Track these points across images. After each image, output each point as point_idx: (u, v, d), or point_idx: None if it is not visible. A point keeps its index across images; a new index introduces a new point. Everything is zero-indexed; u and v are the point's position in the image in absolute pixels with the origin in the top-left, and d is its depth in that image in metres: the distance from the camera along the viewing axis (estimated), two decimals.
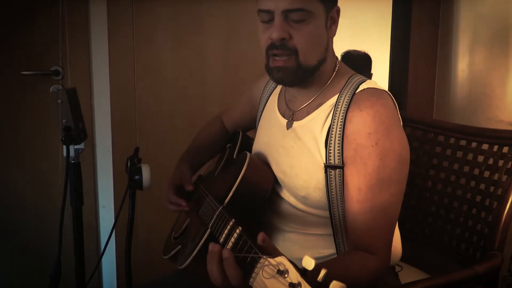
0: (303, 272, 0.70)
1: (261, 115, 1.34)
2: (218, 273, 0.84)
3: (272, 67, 1.11)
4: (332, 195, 1.10)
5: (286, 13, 1.05)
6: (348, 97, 1.10)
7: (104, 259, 2.07)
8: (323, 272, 0.68)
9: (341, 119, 1.08)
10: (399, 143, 1.08)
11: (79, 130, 1.27)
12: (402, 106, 2.09)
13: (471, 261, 1.32)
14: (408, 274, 1.37)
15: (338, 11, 1.13)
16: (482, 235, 1.32)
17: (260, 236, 0.83)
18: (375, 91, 1.10)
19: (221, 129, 1.53)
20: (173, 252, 1.23)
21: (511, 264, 1.70)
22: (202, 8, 2.11)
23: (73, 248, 1.34)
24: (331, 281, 0.67)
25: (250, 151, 1.30)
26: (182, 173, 1.36)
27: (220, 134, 1.52)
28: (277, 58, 1.09)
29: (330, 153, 1.09)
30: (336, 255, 1.15)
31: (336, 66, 1.17)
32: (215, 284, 0.87)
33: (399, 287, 1.20)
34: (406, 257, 1.33)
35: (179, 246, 1.22)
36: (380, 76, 2.23)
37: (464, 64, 2.04)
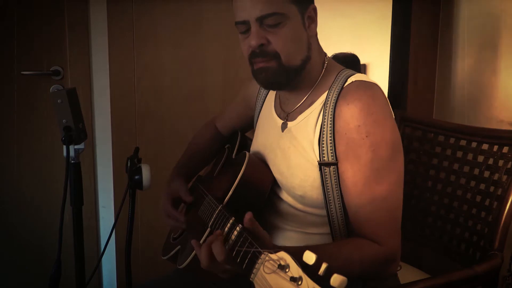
0: (304, 266, 0.71)
1: (258, 116, 1.34)
2: (205, 254, 0.91)
3: (256, 70, 1.13)
4: (328, 192, 1.10)
5: (260, 20, 1.07)
6: (337, 92, 1.10)
7: (104, 259, 2.08)
8: (324, 266, 0.70)
9: (331, 115, 1.09)
10: (391, 132, 1.08)
11: (79, 130, 1.27)
12: (402, 106, 2.09)
13: (471, 261, 1.32)
14: (408, 274, 1.37)
15: (314, 10, 1.14)
16: (482, 235, 1.32)
17: (248, 216, 0.89)
18: (362, 83, 1.10)
19: (215, 135, 1.53)
20: (172, 253, 1.23)
21: (511, 264, 1.70)
22: (202, 8, 2.11)
23: (73, 248, 1.34)
24: (332, 274, 0.67)
25: (249, 152, 1.30)
26: (178, 186, 1.33)
27: (214, 140, 1.52)
28: (259, 59, 1.10)
29: (323, 150, 1.09)
30: None
31: (324, 63, 1.18)
32: (202, 267, 0.94)
33: (399, 287, 1.20)
34: (406, 257, 1.32)
35: (179, 247, 1.22)
36: (380, 76, 2.23)
37: (464, 64, 2.04)
